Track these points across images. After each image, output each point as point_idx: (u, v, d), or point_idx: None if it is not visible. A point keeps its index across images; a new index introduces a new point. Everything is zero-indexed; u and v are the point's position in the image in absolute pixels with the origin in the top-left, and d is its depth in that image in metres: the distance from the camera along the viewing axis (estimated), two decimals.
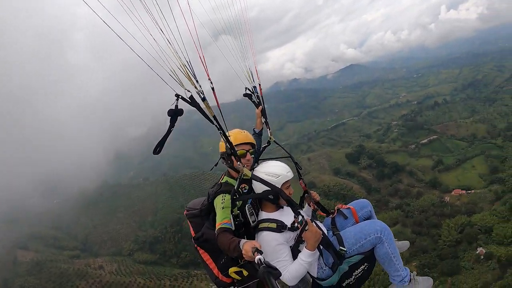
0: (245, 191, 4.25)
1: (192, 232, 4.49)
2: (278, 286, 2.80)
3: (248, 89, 5.38)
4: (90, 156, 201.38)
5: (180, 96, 3.62)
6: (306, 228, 3.79)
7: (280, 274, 3.10)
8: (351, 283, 4.21)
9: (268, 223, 4.00)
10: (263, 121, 5.44)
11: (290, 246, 4.01)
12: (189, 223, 4.59)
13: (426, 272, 66.13)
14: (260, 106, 5.42)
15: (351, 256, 4.13)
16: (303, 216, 3.98)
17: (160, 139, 3.84)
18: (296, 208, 4.06)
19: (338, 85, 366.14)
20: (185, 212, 4.67)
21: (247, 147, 4.40)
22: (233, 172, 4.36)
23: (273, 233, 3.93)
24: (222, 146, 4.34)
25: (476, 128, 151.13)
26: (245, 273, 4.02)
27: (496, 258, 72.41)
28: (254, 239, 4.07)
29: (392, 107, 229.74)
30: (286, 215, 4.08)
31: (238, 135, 4.41)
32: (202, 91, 3.76)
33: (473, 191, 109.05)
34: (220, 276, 4.30)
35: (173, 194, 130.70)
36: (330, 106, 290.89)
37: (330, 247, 4.02)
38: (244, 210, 4.07)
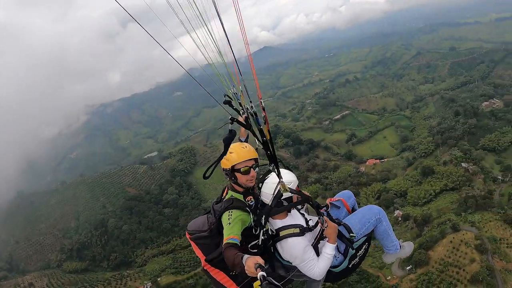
0: (251, 203, 4.42)
1: (201, 255, 4.51)
2: None
3: (228, 96, 5.28)
4: None
5: (235, 120, 4.10)
6: (326, 226, 4.36)
7: None
8: (356, 263, 4.84)
9: (292, 229, 4.26)
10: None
11: (311, 245, 4.39)
12: (195, 246, 4.60)
13: None
14: (244, 114, 5.12)
15: (358, 240, 4.72)
16: (322, 216, 4.52)
17: (213, 161, 4.32)
18: (320, 210, 4.68)
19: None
20: (188, 236, 4.68)
21: (251, 162, 4.45)
22: (237, 187, 4.49)
23: (299, 237, 4.22)
24: (224, 163, 4.44)
25: (385, 102, 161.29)
26: None
27: (412, 218, 76.54)
28: (274, 249, 4.45)
29: (305, 86, 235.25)
30: (297, 218, 4.43)
31: (241, 152, 4.43)
32: (264, 115, 4.04)
33: (386, 159, 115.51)
34: None
35: (93, 195, 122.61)
36: None
37: (343, 236, 4.59)
38: (261, 223, 4.24)
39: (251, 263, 3.16)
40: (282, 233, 4.23)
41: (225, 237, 3.91)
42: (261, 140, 4.11)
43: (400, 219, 78.50)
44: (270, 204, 4.21)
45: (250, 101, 4.22)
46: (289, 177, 4.36)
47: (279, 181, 4.19)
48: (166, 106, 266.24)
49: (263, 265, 3.12)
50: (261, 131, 4.04)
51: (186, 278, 75.67)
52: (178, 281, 76.05)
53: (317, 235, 4.42)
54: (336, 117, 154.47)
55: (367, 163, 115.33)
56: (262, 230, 4.18)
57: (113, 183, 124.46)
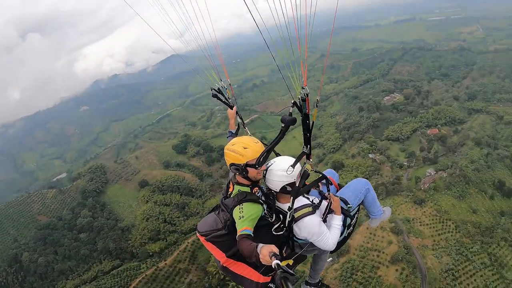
0: (258, 194, 4.53)
1: (220, 253, 4.47)
2: None
3: (215, 90, 5.68)
4: None
5: (295, 103, 4.24)
6: (332, 201, 4.68)
7: (297, 279, 3.30)
8: (350, 231, 5.34)
9: (306, 208, 4.47)
10: (238, 121, 5.77)
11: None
12: (211, 246, 4.54)
13: None
14: (235, 106, 5.75)
15: (353, 210, 5.17)
16: (329, 193, 4.81)
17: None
18: (319, 189, 5.06)
19: (160, 77, 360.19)
20: (202, 238, 4.62)
21: None
22: (245, 180, 4.54)
23: (313, 215, 4.47)
24: (238, 159, 4.44)
25: None
26: (290, 262, 4.60)
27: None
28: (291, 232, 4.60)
29: None
30: (301, 199, 4.57)
31: (255, 147, 4.47)
32: (318, 99, 4.40)
33: None
34: (262, 278, 4.42)
35: (1, 228, 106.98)
36: (153, 99, 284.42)
37: (342, 208, 4.88)
38: (275, 209, 4.53)
39: (266, 251, 3.22)
40: (297, 214, 4.41)
41: (238, 229, 3.99)
42: (303, 122, 4.29)
43: None
44: (298, 185, 4.34)
45: (302, 87, 4.15)
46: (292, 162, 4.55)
47: (306, 162, 4.45)
48: (73, 122, 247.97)
49: (278, 253, 3.14)
50: (306, 116, 4.22)
51: None
52: None
53: (325, 210, 4.64)
54: (246, 121, 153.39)
55: None
56: (289, 212, 4.34)
57: (22, 212, 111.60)
